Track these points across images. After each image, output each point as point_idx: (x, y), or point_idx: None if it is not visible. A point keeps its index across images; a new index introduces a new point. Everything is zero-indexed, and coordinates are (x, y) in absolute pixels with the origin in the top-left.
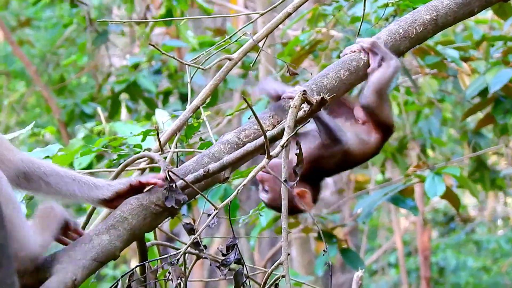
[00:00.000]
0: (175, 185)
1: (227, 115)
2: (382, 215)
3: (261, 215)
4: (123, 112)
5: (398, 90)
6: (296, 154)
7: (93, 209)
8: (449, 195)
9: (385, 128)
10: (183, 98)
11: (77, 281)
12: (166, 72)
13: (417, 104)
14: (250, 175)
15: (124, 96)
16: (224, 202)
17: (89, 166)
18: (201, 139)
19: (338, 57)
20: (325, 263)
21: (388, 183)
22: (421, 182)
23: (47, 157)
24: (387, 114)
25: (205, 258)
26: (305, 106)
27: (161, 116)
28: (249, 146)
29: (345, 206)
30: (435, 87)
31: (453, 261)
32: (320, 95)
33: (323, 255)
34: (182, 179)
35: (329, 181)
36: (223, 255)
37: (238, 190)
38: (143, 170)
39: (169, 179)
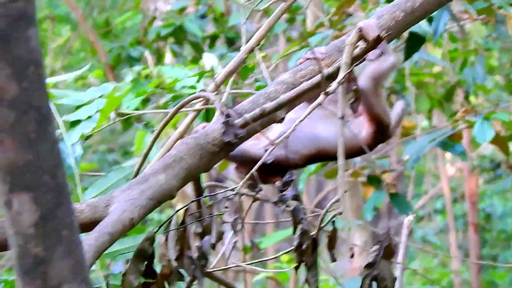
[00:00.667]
0: (232, 120)
1: (281, 56)
2: (428, 161)
3: None
4: (168, 56)
5: (442, 37)
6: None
7: (149, 150)
8: (498, 141)
9: (379, 126)
10: (230, 42)
11: (134, 220)
12: (212, 16)
13: (461, 52)
14: (305, 113)
15: (169, 41)
16: (280, 139)
17: (137, 109)
18: (256, 80)
19: (387, 1)
20: (373, 208)
21: (435, 129)
22: (470, 128)
23: (101, 96)
24: (382, 109)
25: (259, 199)
26: (362, 44)
27: (209, 59)
28: (305, 84)
29: (392, 151)
30: (483, 33)
31: (500, 208)
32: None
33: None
34: (240, 114)
35: None
36: (280, 191)
37: (295, 126)
38: (198, 112)
39: (225, 114)
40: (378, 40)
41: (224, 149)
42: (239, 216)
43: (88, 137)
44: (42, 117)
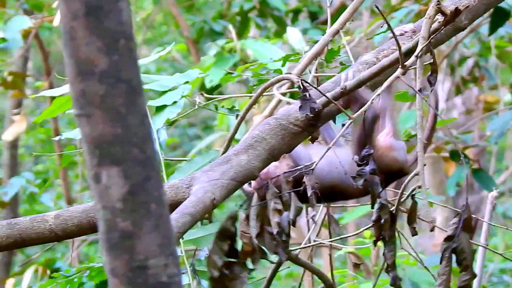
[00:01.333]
0: (309, 95)
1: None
2: (509, 136)
3: None
4: (252, 29)
5: None
6: None
7: (234, 134)
8: None
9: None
10: (313, 17)
11: (216, 200)
12: None
13: None
14: (385, 84)
15: (253, 14)
16: (356, 114)
17: (219, 85)
18: (341, 63)
19: None
20: (456, 183)
21: None
22: None
23: (187, 82)
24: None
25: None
26: (440, 18)
27: (293, 34)
28: (384, 61)
29: (475, 126)
30: None
31: None
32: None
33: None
34: (315, 88)
35: (457, 101)
36: (358, 165)
37: (372, 99)
38: (283, 95)
39: (302, 87)
40: (456, 13)
41: (306, 129)
42: (315, 191)
43: (173, 122)
44: (132, 90)
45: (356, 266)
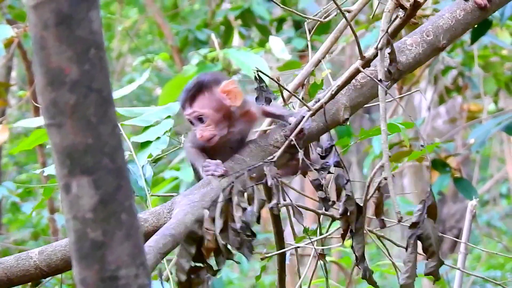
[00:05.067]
0: (265, 86)
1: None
2: (494, 145)
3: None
4: (236, 38)
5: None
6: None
7: None
8: None
9: None
10: (297, 26)
11: (196, 220)
12: None
13: None
14: (345, 75)
15: (237, 23)
16: (317, 105)
17: None
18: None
19: None
20: (438, 192)
21: (502, 112)
22: None
23: (169, 117)
24: None
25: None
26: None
27: (275, 43)
28: (348, 71)
29: (458, 135)
30: None
31: None
32: (436, 36)
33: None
34: (283, 88)
35: (441, 110)
36: (322, 158)
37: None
38: None
39: (258, 78)
40: (415, 6)
41: (287, 151)
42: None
43: (157, 159)
44: (103, 100)
45: (321, 256)
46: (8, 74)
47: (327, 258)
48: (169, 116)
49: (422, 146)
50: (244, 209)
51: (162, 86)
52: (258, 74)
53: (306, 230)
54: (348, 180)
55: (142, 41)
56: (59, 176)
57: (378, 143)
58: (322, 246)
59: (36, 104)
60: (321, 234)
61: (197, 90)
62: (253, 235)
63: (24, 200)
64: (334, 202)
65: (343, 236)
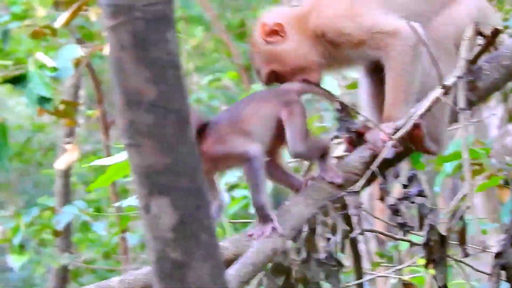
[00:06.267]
0: (346, 115)
1: None
2: None
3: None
4: None
5: None
6: None
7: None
8: None
9: None
10: None
11: (276, 250)
12: None
13: None
14: (426, 104)
15: None
16: (399, 134)
17: None
18: None
19: None
20: (510, 211)
21: None
22: None
23: None
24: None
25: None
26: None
27: None
28: (432, 94)
29: None
30: None
31: None
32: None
33: None
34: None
35: (510, 128)
36: (404, 187)
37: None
38: None
39: (340, 108)
40: (495, 33)
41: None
42: (359, 210)
43: (234, 186)
44: (181, 120)
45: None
46: (76, 93)
47: (398, 276)
48: None
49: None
50: (328, 239)
51: (228, 104)
52: (339, 104)
53: (381, 254)
54: (431, 210)
55: (208, 59)
56: (139, 196)
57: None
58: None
59: (105, 124)
60: (399, 259)
61: None
62: (340, 265)
63: (95, 219)
64: (412, 228)
65: (426, 265)
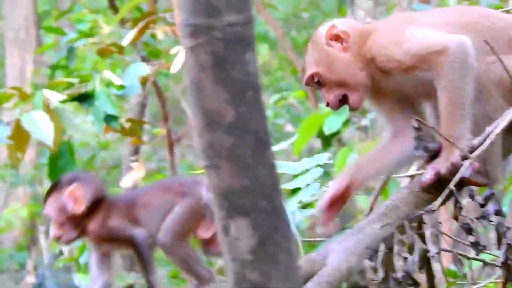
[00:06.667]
0: (423, 134)
1: None
2: None
3: None
4: None
5: None
6: None
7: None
8: None
9: None
10: None
11: (351, 268)
12: None
13: None
14: (502, 122)
15: None
16: (476, 153)
17: (339, 131)
18: None
19: None
20: None
21: None
22: None
23: (319, 165)
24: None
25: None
26: None
27: None
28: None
29: None
30: None
31: None
32: None
33: None
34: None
35: None
36: (481, 206)
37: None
38: None
39: (416, 127)
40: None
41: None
42: (437, 228)
43: (307, 205)
44: (260, 142)
45: None
46: (142, 111)
47: None
48: (318, 165)
49: None
50: (405, 259)
51: (293, 122)
52: (416, 123)
53: (453, 274)
54: (508, 228)
55: (273, 77)
56: (218, 218)
57: None
58: None
59: (170, 142)
60: (472, 278)
61: (51, 189)
62: (416, 284)
63: None
64: (484, 247)
65: (503, 285)
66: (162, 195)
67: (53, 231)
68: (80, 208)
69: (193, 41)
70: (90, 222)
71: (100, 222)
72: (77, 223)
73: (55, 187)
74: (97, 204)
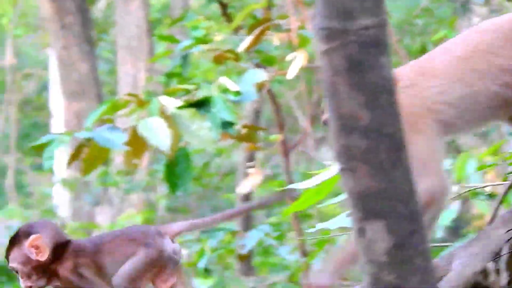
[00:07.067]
0: None
1: None
2: None
3: None
4: None
5: None
6: None
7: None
8: None
9: None
10: None
11: (476, 272)
12: None
13: None
14: None
15: None
16: None
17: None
18: None
19: None
20: None
21: None
22: None
23: None
24: None
25: None
26: None
27: None
28: None
29: None
30: None
31: None
32: None
33: None
34: None
35: None
36: None
37: None
38: None
39: None
40: None
41: None
42: None
43: None
44: (395, 145)
45: None
46: (257, 118)
47: None
48: None
49: None
50: None
51: None
52: None
53: None
54: None
55: None
56: (354, 220)
57: None
58: None
59: (285, 148)
60: None
61: (11, 243)
62: None
63: (279, 243)
64: None
65: None
66: (126, 244)
67: (23, 283)
68: (44, 255)
69: (328, 45)
70: (58, 267)
71: (71, 268)
72: (44, 270)
73: (14, 242)
74: (60, 248)
